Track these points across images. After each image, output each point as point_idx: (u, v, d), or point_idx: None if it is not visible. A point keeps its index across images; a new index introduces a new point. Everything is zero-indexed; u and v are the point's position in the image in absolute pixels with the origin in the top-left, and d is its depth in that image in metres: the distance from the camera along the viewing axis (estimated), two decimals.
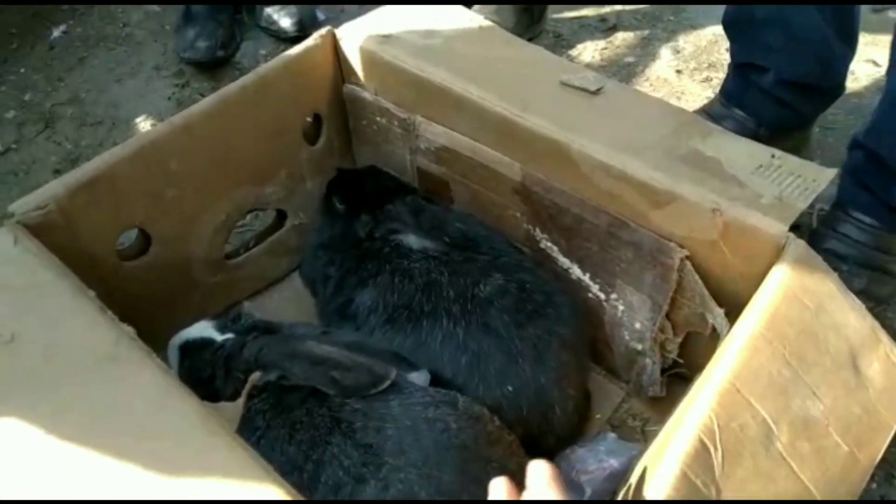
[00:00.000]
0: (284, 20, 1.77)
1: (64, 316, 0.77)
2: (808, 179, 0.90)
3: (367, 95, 1.20)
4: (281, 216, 1.27)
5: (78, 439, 0.66)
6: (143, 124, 1.63)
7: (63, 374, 0.72)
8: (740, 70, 1.42)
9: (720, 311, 0.90)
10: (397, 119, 1.17)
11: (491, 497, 0.62)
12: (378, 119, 1.22)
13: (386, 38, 1.16)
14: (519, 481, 0.82)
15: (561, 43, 1.90)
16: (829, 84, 1.39)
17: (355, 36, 1.17)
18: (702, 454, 0.66)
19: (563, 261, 1.09)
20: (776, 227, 0.84)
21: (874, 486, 1.04)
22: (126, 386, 0.70)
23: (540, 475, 0.61)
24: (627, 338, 1.07)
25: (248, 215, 1.26)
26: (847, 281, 0.86)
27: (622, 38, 1.92)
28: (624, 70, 1.82)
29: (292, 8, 1.78)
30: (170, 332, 1.00)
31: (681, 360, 1.04)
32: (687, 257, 0.92)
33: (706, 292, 0.92)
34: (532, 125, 0.99)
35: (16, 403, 0.70)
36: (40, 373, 0.72)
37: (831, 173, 0.91)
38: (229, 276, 1.20)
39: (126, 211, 1.00)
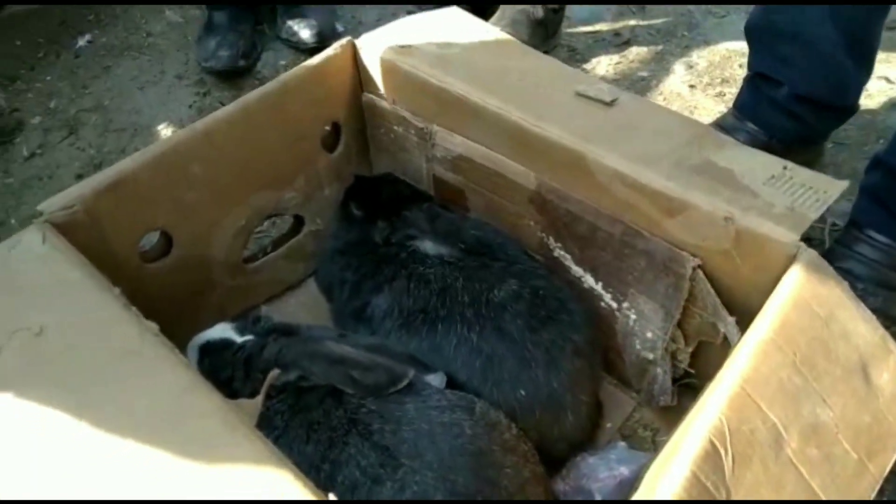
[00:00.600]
0: (304, 31, 1.80)
1: (90, 311, 0.79)
2: (820, 191, 0.91)
3: (384, 104, 1.23)
4: (298, 222, 1.30)
5: (101, 430, 0.68)
6: (165, 131, 1.66)
7: (88, 367, 0.74)
8: (755, 81, 1.44)
9: (732, 320, 0.91)
10: (414, 128, 1.20)
11: None
12: (395, 128, 1.24)
13: (405, 49, 1.19)
14: (532, 491, 0.84)
15: (575, 57, 1.92)
16: (843, 103, 1.41)
17: (375, 46, 1.19)
18: (712, 456, 0.67)
19: (576, 269, 1.10)
20: (788, 237, 0.85)
21: (885, 496, 1.04)
22: (150, 380, 0.72)
23: None
24: (639, 347, 1.08)
25: (265, 221, 1.29)
26: (862, 300, 0.86)
27: (636, 52, 1.94)
28: (638, 84, 1.84)
29: (312, 20, 1.81)
30: (189, 333, 1.02)
31: (692, 371, 1.05)
32: (699, 266, 0.93)
33: (718, 301, 0.93)
34: (548, 135, 1.01)
35: (42, 394, 0.72)
36: (67, 365, 0.74)
37: (843, 185, 0.92)
38: (247, 279, 1.22)
39: (149, 213, 1.03)
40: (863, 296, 1.11)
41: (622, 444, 1.05)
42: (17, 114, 1.74)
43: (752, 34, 1.43)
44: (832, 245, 1.29)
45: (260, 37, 1.85)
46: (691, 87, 1.83)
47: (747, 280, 0.91)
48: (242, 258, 1.20)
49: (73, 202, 0.93)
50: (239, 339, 0.95)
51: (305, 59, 1.19)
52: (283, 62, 1.84)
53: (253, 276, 1.23)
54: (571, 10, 2.03)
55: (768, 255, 0.87)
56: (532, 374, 0.91)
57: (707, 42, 1.98)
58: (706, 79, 1.86)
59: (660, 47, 1.97)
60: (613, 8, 2.13)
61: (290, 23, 1.83)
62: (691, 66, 1.89)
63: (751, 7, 1.53)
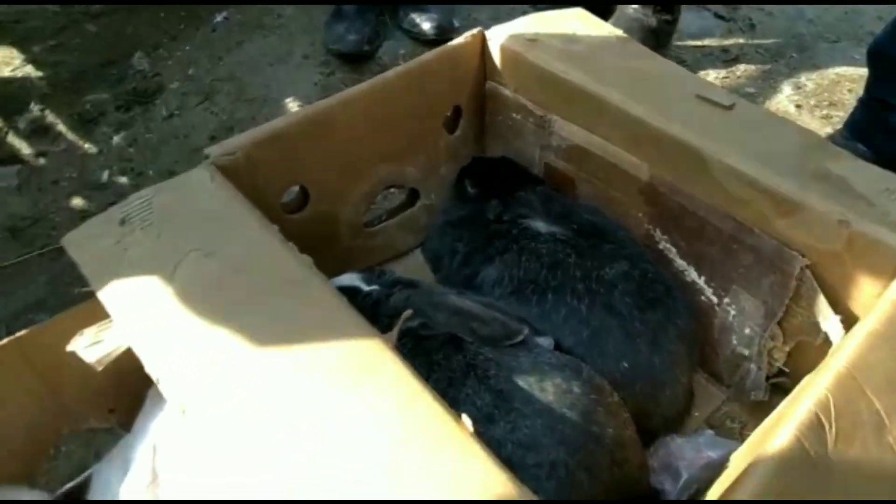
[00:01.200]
0: (426, 24, 1.91)
1: (252, 241, 0.89)
2: None
3: (507, 92, 1.31)
4: (413, 195, 1.39)
5: (259, 346, 0.78)
6: (292, 105, 1.79)
7: (252, 288, 0.84)
8: (870, 105, 1.45)
9: (836, 319, 0.95)
10: (533, 116, 1.27)
11: None
12: (514, 115, 1.32)
13: (531, 41, 1.27)
14: (623, 457, 0.89)
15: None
16: None
17: (502, 37, 1.28)
18: (816, 427, 0.71)
19: (680, 262, 1.15)
20: None
21: None
22: (306, 305, 0.82)
23: None
24: (735, 342, 1.12)
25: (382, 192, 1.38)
26: None
27: (744, 69, 1.97)
28: (744, 99, 1.86)
29: (434, 14, 1.92)
30: None
31: (786, 370, 1.08)
32: (808, 266, 0.97)
33: (824, 300, 0.96)
34: (667, 129, 1.07)
35: (209, 307, 0.82)
36: (233, 284, 0.84)
37: None
38: (365, 242, 1.32)
39: (293, 169, 1.14)
40: None
41: (710, 432, 1.09)
42: (158, 78, 1.91)
43: (875, 59, 1.44)
44: None
45: (383, 26, 1.97)
46: (798, 106, 1.84)
47: (855, 284, 0.95)
48: (363, 222, 1.30)
49: (236, 150, 1.04)
50: (366, 288, 1.04)
51: (423, 51, 1.28)
52: (402, 51, 1.95)
53: (369, 239, 1.33)
54: (682, 24, 2.06)
55: (880, 261, 0.91)
56: (636, 348, 0.97)
57: (816, 65, 1.99)
58: (813, 100, 1.86)
59: (768, 66, 1.99)
60: (723, 25, 2.16)
61: (412, 15, 1.94)
62: (799, 87, 1.90)
63: (865, 35, 1.55)
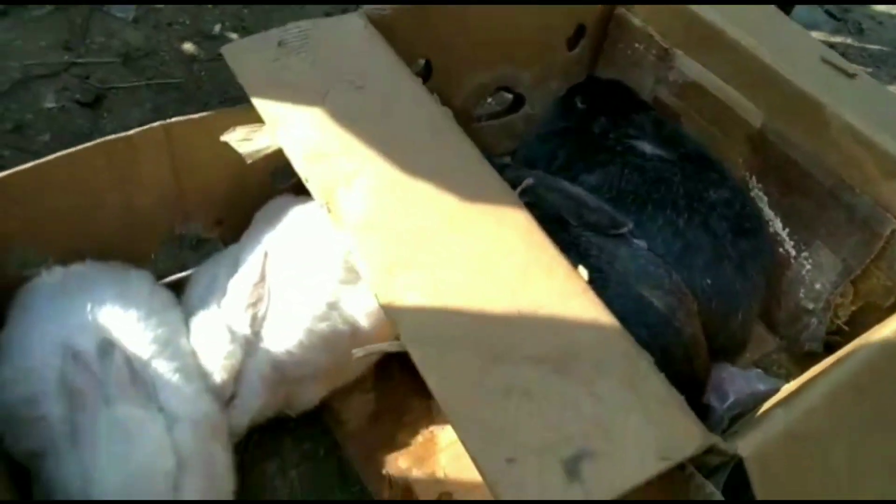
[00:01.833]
0: None
1: (399, 85, 0.95)
2: None
3: (635, 21, 1.34)
4: (519, 102, 1.44)
5: (405, 171, 0.84)
6: None
7: (399, 121, 0.90)
8: None
9: None
10: (657, 48, 1.31)
11: None
12: (636, 45, 1.36)
13: None
14: (696, 353, 0.95)
15: None
16: None
17: None
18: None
19: (768, 212, 1.20)
20: None
21: None
22: (448, 150, 0.88)
23: None
24: (802, 295, 1.17)
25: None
26: None
27: None
28: None
29: None
30: None
31: (846, 328, 1.14)
32: None
33: None
34: (793, 79, 1.11)
35: (356, 130, 0.88)
36: (382, 115, 0.90)
37: None
38: (470, 132, 1.37)
39: (426, 41, 1.18)
40: None
41: (759, 370, 1.15)
42: None
43: None
44: None
45: None
46: None
47: None
48: (473, 115, 1.36)
49: (386, 8, 1.09)
50: None
51: None
52: None
53: (473, 134, 1.38)
54: (793, 15, 2.07)
55: None
56: (722, 270, 1.03)
57: None
58: None
59: (870, 70, 2.00)
60: (833, 23, 2.17)
61: None
62: None
63: None
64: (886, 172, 1.02)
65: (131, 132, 0.93)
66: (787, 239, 1.18)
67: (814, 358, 1.15)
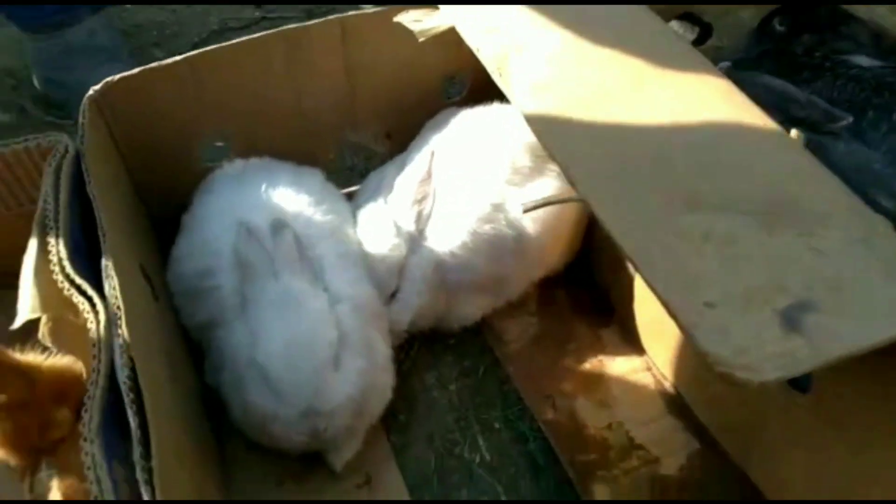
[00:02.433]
0: None
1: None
2: None
3: None
4: (706, 33, 1.32)
5: (584, 38, 0.78)
6: None
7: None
8: None
9: None
10: None
11: None
12: None
13: None
14: None
15: None
16: None
17: None
18: None
19: None
20: None
21: None
22: (631, 21, 0.80)
23: None
24: None
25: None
26: None
27: None
28: None
29: None
30: None
31: None
32: None
33: None
34: None
35: (537, 8, 0.83)
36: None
37: None
38: None
39: None
40: None
41: None
42: None
43: None
44: None
45: None
46: None
47: None
48: None
49: None
50: None
51: None
52: None
53: None
54: None
55: None
56: None
57: None
58: None
59: None
60: None
61: None
62: None
63: None
64: None
65: (309, 23, 0.94)
66: None
67: None
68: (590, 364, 1.00)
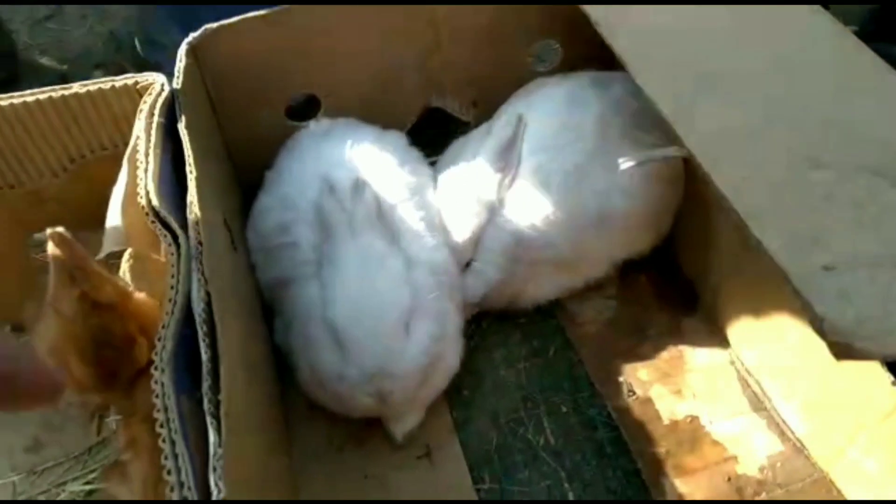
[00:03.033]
0: None
1: None
2: None
3: None
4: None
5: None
6: None
7: None
8: None
9: None
10: None
11: None
12: None
13: None
14: None
15: None
16: None
17: None
18: None
19: None
20: None
21: None
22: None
23: None
24: None
25: None
26: None
27: None
28: None
29: None
30: None
31: None
32: None
33: None
34: None
35: None
36: None
37: None
38: None
39: None
40: None
41: None
42: None
43: None
44: None
45: None
46: None
47: None
48: None
49: None
50: None
51: None
52: None
53: None
54: None
55: None
56: None
57: None
58: None
59: None
60: None
61: None
62: None
63: None
64: None
65: None
66: None
67: None
68: (668, 353, 0.95)
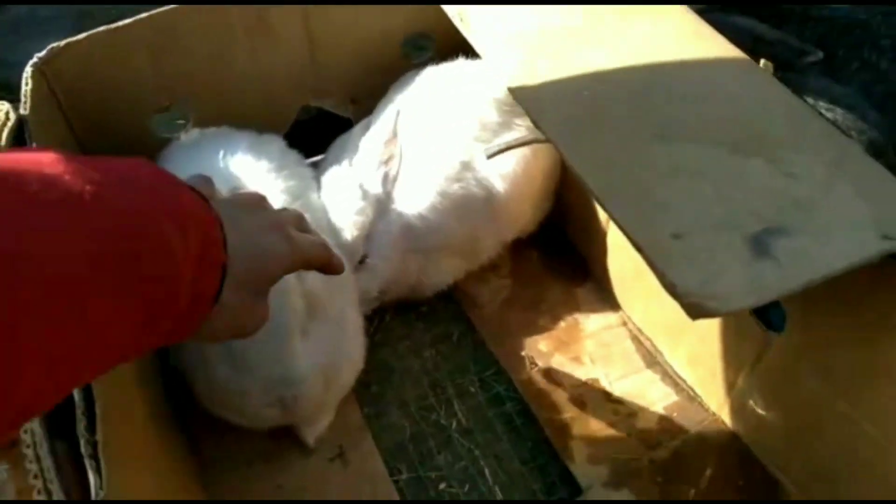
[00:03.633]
0: None
1: None
2: None
3: None
4: None
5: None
6: None
7: None
8: None
9: None
10: None
11: None
12: None
13: None
14: None
15: None
16: None
17: None
18: None
19: None
20: None
21: None
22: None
23: None
24: None
25: None
26: None
27: None
28: None
29: None
30: None
31: None
32: None
33: None
34: None
35: None
36: None
37: None
38: None
39: None
40: None
41: None
42: None
43: None
44: None
45: None
46: None
47: None
48: None
49: None
50: None
51: None
52: None
53: None
54: None
55: None
56: None
57: None
58: None
59: None
60: None
61: None
62: None
63: None
64: None
65: None
66: None
67: None
68: (564, 322, 0.99)
